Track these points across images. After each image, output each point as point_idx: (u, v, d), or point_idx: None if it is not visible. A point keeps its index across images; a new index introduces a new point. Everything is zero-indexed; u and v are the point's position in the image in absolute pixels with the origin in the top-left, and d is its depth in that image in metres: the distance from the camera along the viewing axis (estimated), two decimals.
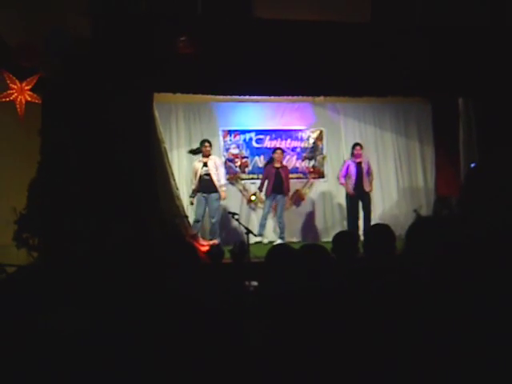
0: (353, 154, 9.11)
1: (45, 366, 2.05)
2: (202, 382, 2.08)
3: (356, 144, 9.20)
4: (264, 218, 9.11)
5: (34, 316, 2.23)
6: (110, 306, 2.46)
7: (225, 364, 2.10)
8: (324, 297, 2.42)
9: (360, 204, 9.04)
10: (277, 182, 8.97)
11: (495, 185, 7.37)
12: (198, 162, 8.74)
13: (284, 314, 2.29)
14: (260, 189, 9.19)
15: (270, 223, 9.38)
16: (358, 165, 9.02)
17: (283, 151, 9.23)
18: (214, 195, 8.61)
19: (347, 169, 9.03)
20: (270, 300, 2.55)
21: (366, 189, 9.00)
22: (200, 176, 8.62)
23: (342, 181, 9.09)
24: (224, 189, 8.82)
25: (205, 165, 8.65)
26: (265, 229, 9.16)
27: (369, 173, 9.13)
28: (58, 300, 2.49)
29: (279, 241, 8.91)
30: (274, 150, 9.20)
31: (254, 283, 3.75)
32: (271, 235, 9.43)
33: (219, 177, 8.72)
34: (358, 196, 8.99)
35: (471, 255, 1.80)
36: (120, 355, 2.10)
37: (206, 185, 8.60)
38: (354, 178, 8.97)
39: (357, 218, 8.98)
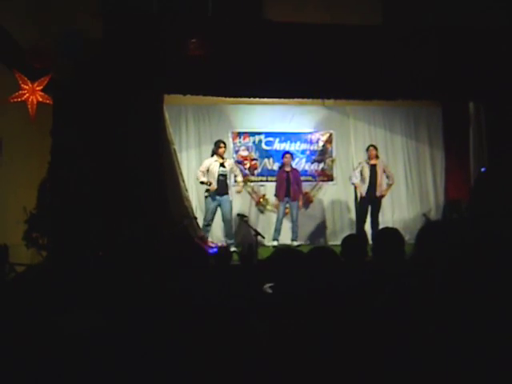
0: (368, 157, 9.03)
1: (52, 366, 2.05)
2: (207, 381, 2.08)
3: (370, 145, 9.12)
4: (279, 223, 9.02)
5: (43, 315, 2.24)
6: (119, 307, 2.46)
7: (229, 363, 2.10)
8: (332, 300, 2.42)
9: (369, 208, 8.98)
10: (288, 187, 8.94)
11: (505, 188, 7.33)
12: (214, 161, 8.48)
13: (288, 316, 2.29)
14: (276, 195, 9.14)
15: (284, 228, 9.32)
16: (372, 167, 8.96)
17: (292, 155, 9.22)
18: (226, 197, 8.48)
19: (361, 170, 8.95)
20: (273, 301, 2.55)
21: (378, 193, 8.90)
22: (218, 176, 8.40)
23: (354, 180, 8.99)
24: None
25: (222, 165, 8.49)
26: (280, 234, 9.08)
27: (387, 176, 9.02)
28: (66, 300, 2.50)
29: (295, 243, 8.91)
30: (284, 154, 9.19)
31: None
32: (286, 239, 9.37)
33: (237, 175, 8.74)
34: (369, 200, 8.92)
35: (485, 258, 1.79)
36: (129, 355, 2.11)
37: (221, 186, 8.42)
38: (366, 180, 8.90)
39: (364, 222, 8.93)
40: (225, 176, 8.46)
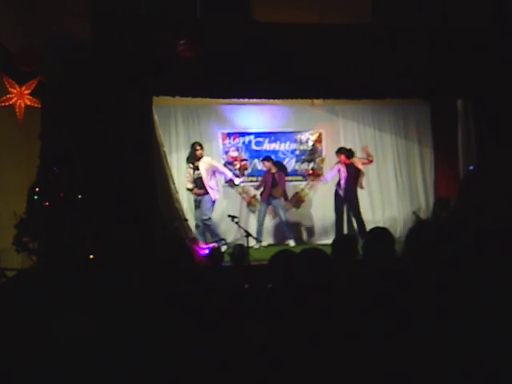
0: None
1: (44, 369, 2.05)
2: (203, 382, 2.08)
3: (340, 149, 9.17)
4: (260, 225, 9.11)
5: (35, 319, 2.24)
6: (111, 309, 2.46)
7: (224, 364, 2.11)
8: (324, 300, 2.42)
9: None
10: (272, 188, 9.07)
11: (493, 186, 7.37)
12: (189, 168, 8.81)
13: (284, 316, 2.30)
14: (257, 188, 9.33)
15: (267, 227, 9.36)
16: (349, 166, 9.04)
17: (270, 160, 9.21)
18: (206, 196, 8.60)
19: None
20: (271, 302, 2.56)
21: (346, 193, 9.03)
22: (194, 179, 8.68)
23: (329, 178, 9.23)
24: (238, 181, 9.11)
25: (196, 168, 8.69)
26: (262, 234, 9.15)
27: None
28: (57, 304, 2.50)
29: (292, 243, 8.98)
30: (262, 160, 9.34)
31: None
32: (270, 238, 9.46)
33: (226, 174, 8.86)
34: (344, 199, 9.06)
35: (481, 256, 1.79)
36: (121, 358, 2.11)
37: (199, 187, 8.66)
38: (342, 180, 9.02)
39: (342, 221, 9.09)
40: (200, 178, 8.60)
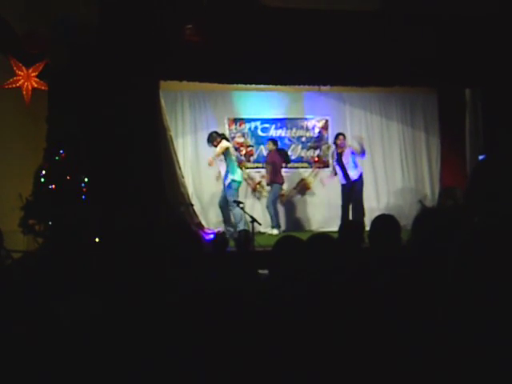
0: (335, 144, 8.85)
1: (51, 352, 2.06)
2: (205, 369, 2.09)
3: (339, 134, 8.93)
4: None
5: (38, 300, 2.25)
6: (117, 293, 2.47)
7: (226, 351, 2.11)
8: (330, 286, 2.43)
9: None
10: (267, 173, 9.18)
11: (502, 176, 7.33)
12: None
13: (292, 304, 2.30)
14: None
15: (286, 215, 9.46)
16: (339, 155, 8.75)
17: (271, 141, 9.21)
18: (225, 181, 8.53)
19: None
20: (277, 290, 2.56)
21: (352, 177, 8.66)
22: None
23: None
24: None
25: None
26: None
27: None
28: (61, 286, 2.51)
29: (275, 231, 8.81)
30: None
31: (265, 272, 3.76)
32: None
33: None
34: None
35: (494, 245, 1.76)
36: (127, 341, 2.12)
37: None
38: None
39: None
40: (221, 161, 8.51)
